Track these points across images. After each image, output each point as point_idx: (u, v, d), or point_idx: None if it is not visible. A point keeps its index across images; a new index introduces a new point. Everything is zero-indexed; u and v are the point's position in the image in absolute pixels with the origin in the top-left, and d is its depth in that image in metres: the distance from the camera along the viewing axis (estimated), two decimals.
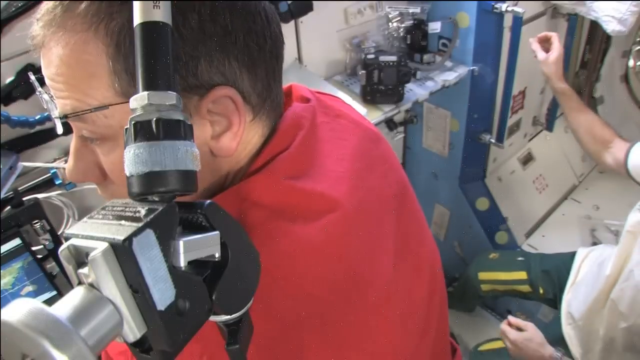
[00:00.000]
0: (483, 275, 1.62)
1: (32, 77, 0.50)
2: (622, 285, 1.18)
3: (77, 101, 0.42)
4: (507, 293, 1.59)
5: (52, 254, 0.97)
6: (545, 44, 1.47)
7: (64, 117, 0.43)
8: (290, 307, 0.45)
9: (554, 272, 1.52)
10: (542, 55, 1.45)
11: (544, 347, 1.24)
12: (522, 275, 1.56)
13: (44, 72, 0.44)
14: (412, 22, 1.59)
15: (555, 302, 1.49)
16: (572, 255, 1.50)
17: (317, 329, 0.47)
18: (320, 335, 0.47)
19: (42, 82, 0.98)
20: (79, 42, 0.40)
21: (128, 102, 0.37)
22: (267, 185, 0.46)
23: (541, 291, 1.52)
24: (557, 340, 1.34)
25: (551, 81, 1.45)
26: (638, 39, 2.15)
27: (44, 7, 0.42)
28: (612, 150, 1.34)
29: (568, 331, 1.37)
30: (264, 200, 0.46)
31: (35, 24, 0.42)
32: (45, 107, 0.49)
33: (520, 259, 1.62)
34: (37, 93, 0.50)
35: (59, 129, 0.46)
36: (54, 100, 0.44)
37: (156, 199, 0.32)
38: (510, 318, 1.35)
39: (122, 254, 0.28)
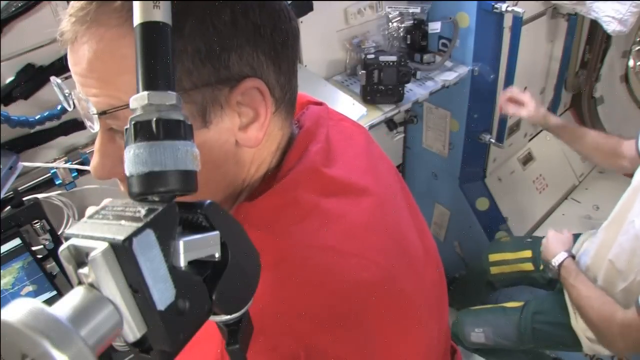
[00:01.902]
0: (493, 257, 1.65)
1: (58, 80, 0.50)
2: (620, 240, 1.17)
3: (110, 97, 0.42)
4: (512, 275, 1.61)
5: (52, 254, 0.97)
6: (514, 101, 1.54)
7: (102, 114, 0.43)
8: (360, 278, 0.47)
9: None
10: (523, 112, 1.50)
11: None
12: (527, 253, 1.59)
13: (73, 68, 0.44)
14: (412, 22, 1.59)
15: (554, 281, 1.50)
16: (577, 236, 1.53)
17: (382, 295, 0.49)
18: (384, 304, 0.49)
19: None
20: (115, 36, 0.40)
21: None
22: (311, 175, 0.50)
23: (541, 267, 1.54)
24: (560, 308, 1.36)
25: (545, 124, 1.51)
26: (638, 39, 2.15)
27: (77, 4, 0.42)
28: (624, 153, 1.37)
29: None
30: (311, 188, 0.49)
31: (66, 20, 0.43)
32: (71, 106, 0.49)
33: (528, 240, 1.65)
34: (64, 95, 0.49)
35: (96, 127, 0.45)
36: (78, 98, 0.45)
37: (156, 199, 0.32)
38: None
39: (122, 254, 0.28)
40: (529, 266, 1.57)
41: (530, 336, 1.41)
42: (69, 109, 0.50)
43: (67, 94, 0.49)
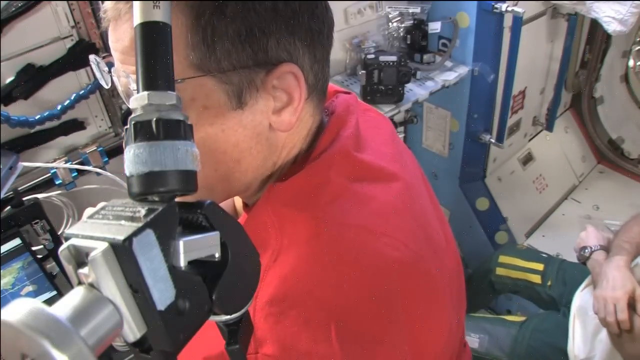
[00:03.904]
0: (503, 259, 1.64)
1: (98, 59, 0.51)
2: None
3: None
4: (517, 282, 1.61)
5: (52, 254, 0.97)
6: None
7: None
8: (391, 256, 0.49)
9: (569, 274, 1.52)
10: None
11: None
12: (539, 266, 1.58)
13: (114, 45, 0.46)
14: (412, 22, 1.59)
15: (556, 302, 1.49)
16: None
17: (411, 275, 0.50)
18: (413, 284, 0.50)
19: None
20: None
21: (202, 75, 0.42)
22: (343, 158, 0.52)
23: (549, 283, 1.53)
24: (559, 331, 1.35)
25: None
26: (638, 39, 2.15)
27: None
28: None
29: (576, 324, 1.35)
30: (343, 170, 0.50)
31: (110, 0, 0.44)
32: (108, 84, 0.51)
33: (544, 255, 1.64)
34: (102, 72, 0.51)
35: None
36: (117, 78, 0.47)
37: (156, 199, 0.32)
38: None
39: (122, 254, 0.28)
40: (536, 278, 1.56)
41: (524, 352, 1.39)
42: (106, 87, 0.52)
43: (104, 72, 0.50)
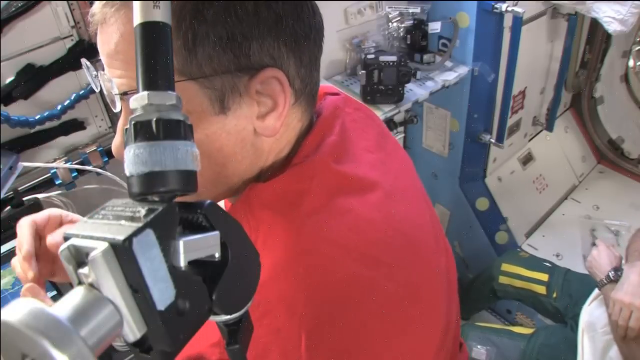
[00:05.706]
0: (506, 267, 1.63)
1: (87, 63, 0.52)
2: None
3: (133, 79, 0.43)
4: (520, 291, 1.60)
5: None
6: None
7: (124, 94, 0.44)
8: (360, 273, 0.49)
9: (575, 286, 1.51)
10: None
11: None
12: (543, 276, 1.56)
13: (101, 49, 0.46)
14: (412, 22, 1.59)
15: (561, 313, 1.48)
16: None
17: (382, 289, 0.50)
18: (384, 298, 0.50)
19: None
20: None
21: (183, 80, 0.42)
22: (323, 169, 0.51)
23: (554, 295, 1.51)
24: (568, 346, 1.33)
25: None
26: (638, 39, 2.15)
27: None
28: None
29: (585, 341, 1.32)
30: (321, 182, 0.50)
31: (97, 3, 0.45)
32: (98, 88, 0.51)
33: (547, 264, 1.62)
34: (92, 76, 0.51)
35: (117, 107, 0.47)
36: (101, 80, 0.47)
37: (156, 199, 0.32)
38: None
39: (122, 253, 0.28)
40: (541, 289, 1.55)
41: None
42: (97, 90, 0.52)
43: (94, 76, 0.50)
